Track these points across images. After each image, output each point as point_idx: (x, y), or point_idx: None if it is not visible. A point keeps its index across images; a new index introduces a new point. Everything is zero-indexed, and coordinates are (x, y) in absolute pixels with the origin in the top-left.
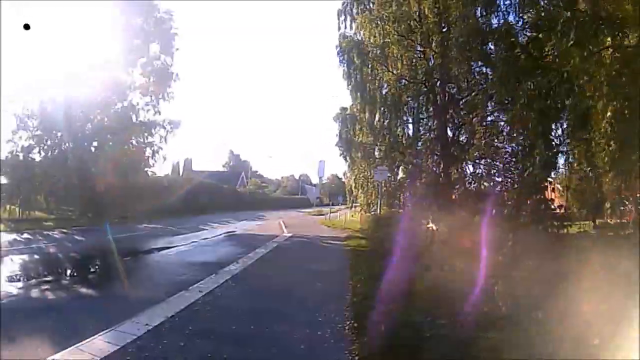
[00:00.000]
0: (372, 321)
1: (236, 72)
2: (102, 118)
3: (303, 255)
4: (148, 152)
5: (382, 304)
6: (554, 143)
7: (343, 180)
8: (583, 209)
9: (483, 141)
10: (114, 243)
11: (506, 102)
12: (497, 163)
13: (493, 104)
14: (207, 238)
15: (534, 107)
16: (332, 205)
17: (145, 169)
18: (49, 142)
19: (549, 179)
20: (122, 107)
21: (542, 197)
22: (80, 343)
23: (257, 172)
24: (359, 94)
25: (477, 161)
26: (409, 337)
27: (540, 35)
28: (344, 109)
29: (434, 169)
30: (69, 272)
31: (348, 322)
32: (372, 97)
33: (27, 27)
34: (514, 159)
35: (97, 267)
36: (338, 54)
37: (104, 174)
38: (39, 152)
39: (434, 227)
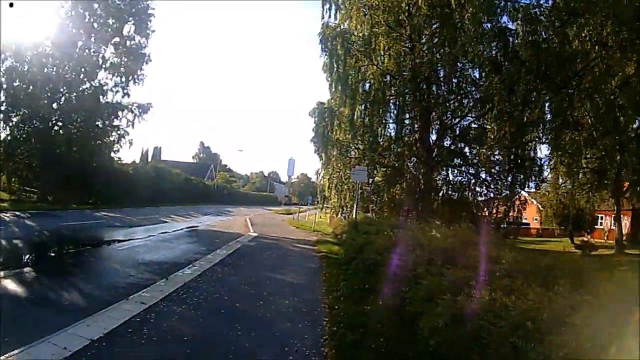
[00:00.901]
0: None
1: (212, 65)
2: (68, 97)
3: (269, 262)
4: (114, 136)
5: (370, 336)
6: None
7: (312, 180)
8: (562, 225)
9: (467, 148)
10: (63, 232)
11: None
12: (481, 172)
13: (480, 108)
14: (166, 232)
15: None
16: (301, 205)
17: (111, 155)
18: (15, 120)
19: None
20: (90, 87)
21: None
22: None
23: (226, 166)
24: (340, 86)
25: (460, 168)
26: None
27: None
28: (321, 103)
29: (415, 173)
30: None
31: None
32: (354, 90)
33: (11, 5)
34: (498, 168)
35: (35, 259)
36: (320, 41)
37: (67, 156)
38: (4, 128)
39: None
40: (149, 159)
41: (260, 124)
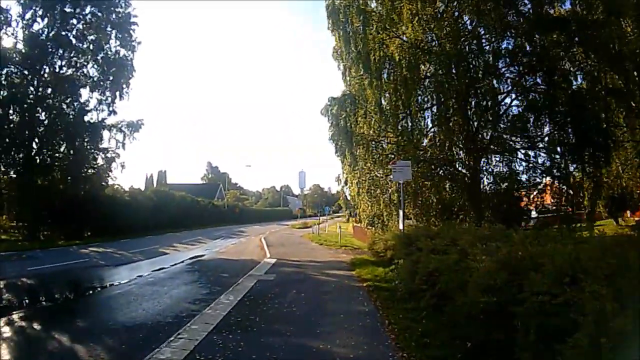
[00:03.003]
0: None
1: (216, 82)
2: (50, 120)
3: (298, 310)
4: (101, 159)
5: None
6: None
7: (326, 190)
8: (606, 207)
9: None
10: (21, 282)
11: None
12: (537, 156)
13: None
14: (162, 268)
15: None
16: (319, 216)
17: (102, 181)
18: None
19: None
20: (72, 108)
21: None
22: None
23: (236, 184)
24: (360, 67)
25: (510, 155)
26: None
27: None
28: (333, 98)
29: (465, 164)
30: None
31: None
32: (379, 69)
33: None
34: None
35: None
36: (328, 17)
37: (51, 186)
38: None
39: None
40: (154, 184)
41: (267, 139)
